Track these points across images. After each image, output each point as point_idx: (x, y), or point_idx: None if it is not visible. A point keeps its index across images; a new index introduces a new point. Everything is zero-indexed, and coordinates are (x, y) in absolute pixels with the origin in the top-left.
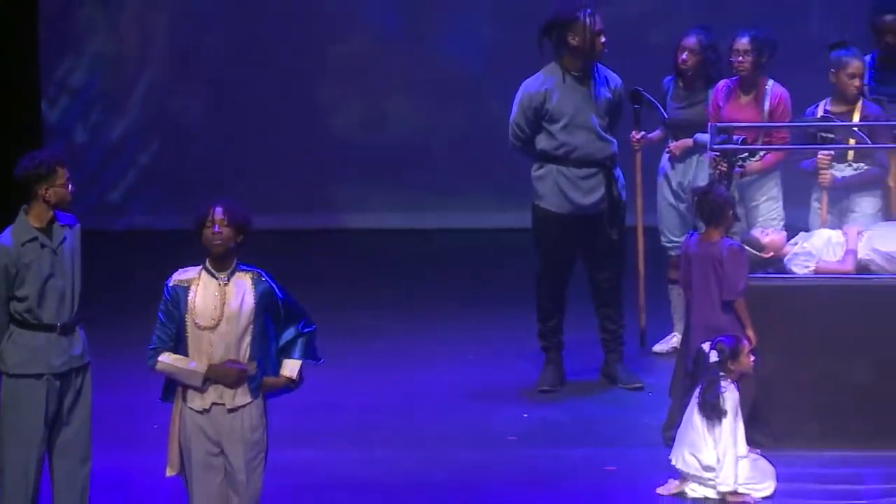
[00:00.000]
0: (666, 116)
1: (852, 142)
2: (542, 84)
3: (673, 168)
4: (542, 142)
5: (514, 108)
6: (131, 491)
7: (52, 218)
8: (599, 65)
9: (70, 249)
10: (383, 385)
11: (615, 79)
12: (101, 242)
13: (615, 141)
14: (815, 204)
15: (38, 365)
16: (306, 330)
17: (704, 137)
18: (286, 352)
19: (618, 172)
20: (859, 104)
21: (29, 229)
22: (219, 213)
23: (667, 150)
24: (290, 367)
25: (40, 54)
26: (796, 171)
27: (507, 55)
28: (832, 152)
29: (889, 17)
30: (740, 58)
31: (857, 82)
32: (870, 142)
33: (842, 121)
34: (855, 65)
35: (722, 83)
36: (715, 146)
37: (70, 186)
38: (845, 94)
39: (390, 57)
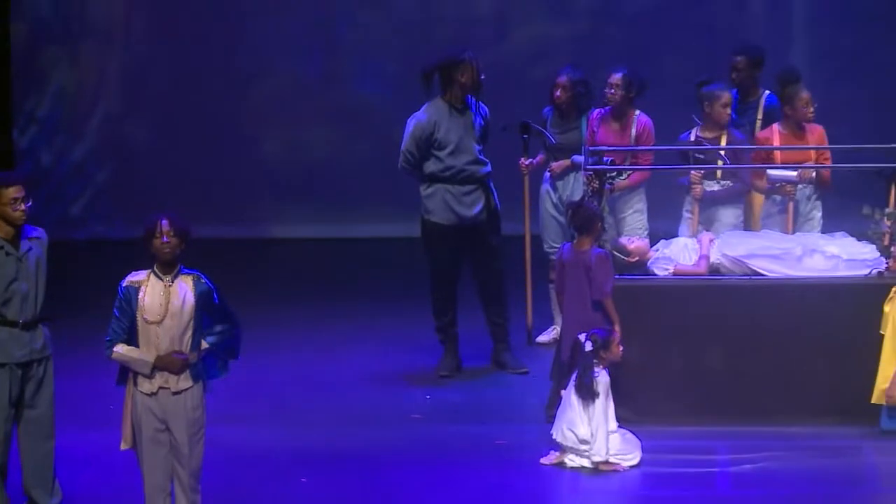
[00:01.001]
0: (553, 142)
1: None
2: (430, 117)
3: (553, 185)
4: (430, 165)
5: (406, 138)
6: (92, 462)
7: (15, 232)
8: (472, 98)
9: (35, 258)
10: (303, 371)
11: (485, 109)
12: (64, 250)
13: (489, 161)
14: (686, 214)
15: (2, 356)
16: (234, 331)
17: (580, 158)
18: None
19: (492, 187)
20: (728, 130)
21: None
22: (165, 224)
23: (548, 169)
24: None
25: (12, 90)
26: (666, 187)
27: (406, 92)
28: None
29: (736, 58)
30: (612, 90)
31: (728, 110)
32: (734, 163)
33: (712, 145)
34: (727, 96)
35: (596, 112)
36: (588, 166)
37: (21, 205)
38: (720, 121)
39: (308, 92)
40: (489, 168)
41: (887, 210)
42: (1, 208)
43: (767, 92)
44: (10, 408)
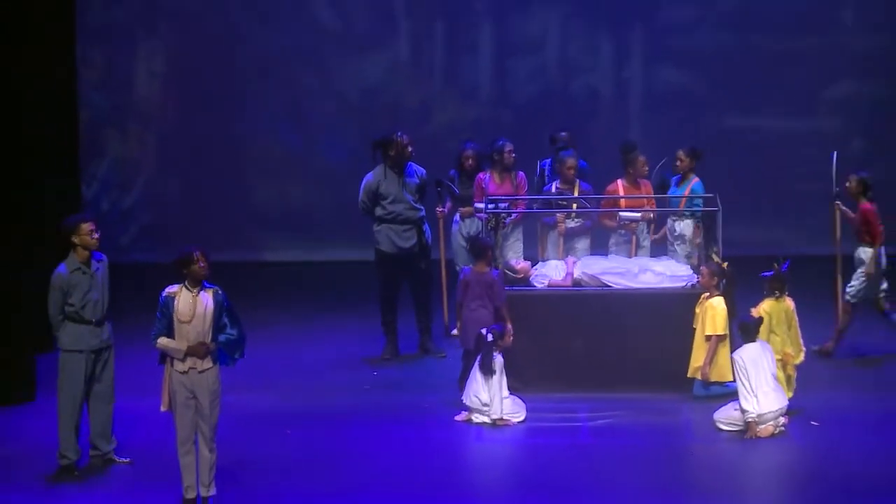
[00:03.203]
0: (458, 193)
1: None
2: (375, 177)
3: (463, 224)
4: (377, 211)
5: (361, 192)
6: (140, 420)
7: (89, 255)
8: (411, 163)
9: (101, 274)
10: (289, 356)
11: (421, 169)
12: (115, 271)
13: (423, 208)
14: (552, 246)
15: (81, 344)
16: (240, 337)
17: (481, 205)
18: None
19: (426, 227)
20: (577, 183)
21: (75, 262)
22: (199, 254)
23: (458, 213)
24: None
25: (79, 158)
26: (543, 224)
27: (360, 158)
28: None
29: (561, 133)
30: (514, 155)
31: (573, 171)
32: (588, 206)
33: (568, 194)
34: (572, 160)
35: (481, 175)
36: (487, 210)
37: (95, 235)
38: (567, 178)
39: (290, 158)
40: (423, 213)
41: (697, 241)
42: (81, 238)
43: (579, 159)
44: (84, 382)
